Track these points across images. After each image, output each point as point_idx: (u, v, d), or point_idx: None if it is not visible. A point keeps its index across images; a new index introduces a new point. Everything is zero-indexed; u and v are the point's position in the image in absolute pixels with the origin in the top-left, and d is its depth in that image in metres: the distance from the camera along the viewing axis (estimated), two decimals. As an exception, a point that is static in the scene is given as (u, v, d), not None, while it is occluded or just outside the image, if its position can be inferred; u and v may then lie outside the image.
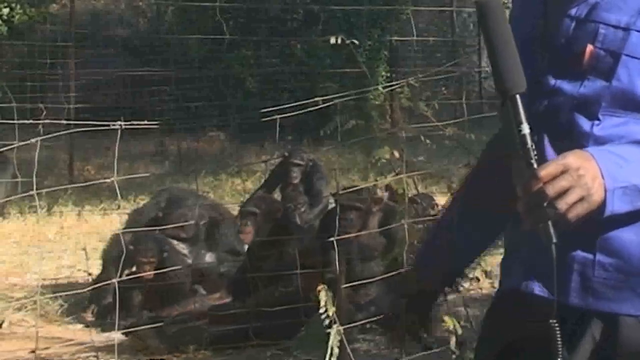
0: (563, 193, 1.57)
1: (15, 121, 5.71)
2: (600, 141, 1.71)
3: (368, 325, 5.04)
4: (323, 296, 3.94)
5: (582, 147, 1.68)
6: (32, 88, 11.61)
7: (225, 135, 13.02)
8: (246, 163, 10.87)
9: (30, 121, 5.79)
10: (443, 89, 14.58)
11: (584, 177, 1.59)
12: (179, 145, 12.13)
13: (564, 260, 1.72)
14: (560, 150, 1.68)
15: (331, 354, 3.92)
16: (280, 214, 6.15)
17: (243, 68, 13.44)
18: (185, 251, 5.83)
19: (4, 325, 5.54)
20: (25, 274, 6.67)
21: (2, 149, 4.87)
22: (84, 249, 5.88)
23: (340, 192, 4.91)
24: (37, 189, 4.01)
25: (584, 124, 1.74)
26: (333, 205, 5.98)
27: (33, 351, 4.49)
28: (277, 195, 6.90)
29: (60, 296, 5.78)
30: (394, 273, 4.65)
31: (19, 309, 5.75)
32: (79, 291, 5.17)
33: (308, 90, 11.81)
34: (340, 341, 4.01)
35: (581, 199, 1.58)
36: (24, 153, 6.51)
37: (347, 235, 4.96)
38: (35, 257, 6.59)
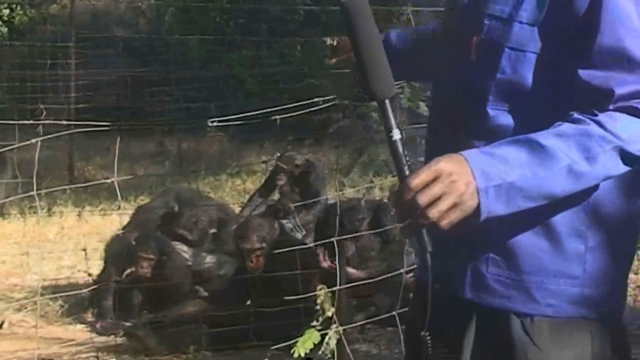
0: (436, 201, 1.52)
1: (15, 121, 5.72)
2: (489, 135, 1.66)
3: (368, 326, 5.04)
4: (321, 296, 3.94)
5: (473, 141, 1.65)
6: (32, 89, 11.60)
7: (225, 135, 13.02)
8: (246, 163, 10.85)
9: (31, 122, 5.80)
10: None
11: (456, 182, 1.52)
12: (179, 145, 12.12)
13: (460, 254, 1.72)
14: (455, 143, 1.64)
15: (325, 354, 3.91)
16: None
17: (243, 68, 13.44)
18: (186, 252, 5.82)
19: (5, 325, 5.54)
20: (25, 274, 6.66)
21: (2, 150, 4.87)
22: (84, 250, 5.87)
23: (340, 192, 4.89)
24: (37, 190, 4.01)
25: (474, 117, 1.70)
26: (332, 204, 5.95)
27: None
28: (277, 196, 6.90)
29: (61, 297, 5.78)
30: (393, 273, 4.66)
31: (20, 310, 5.75)
32: (79, 292, 5.17)
33: (308, 91, 11.80)
34: (340, 341, 4.01)
35: (454, 206, 1.53)
36: (24, 153, 6.50)
37: (347, 236, 4.95)
38: (36, 257, 6.59)
